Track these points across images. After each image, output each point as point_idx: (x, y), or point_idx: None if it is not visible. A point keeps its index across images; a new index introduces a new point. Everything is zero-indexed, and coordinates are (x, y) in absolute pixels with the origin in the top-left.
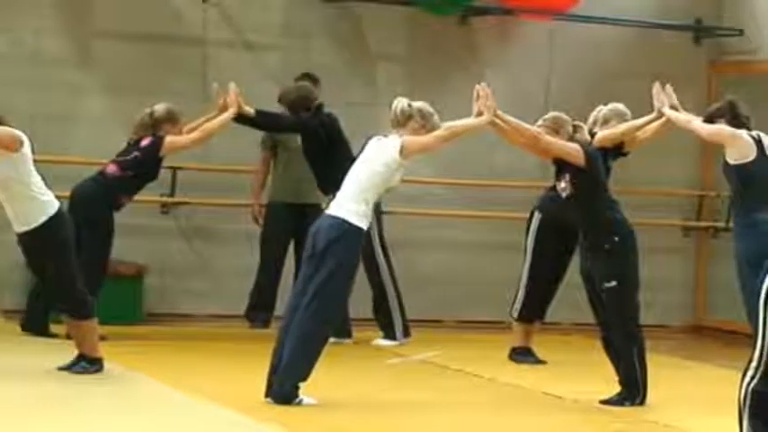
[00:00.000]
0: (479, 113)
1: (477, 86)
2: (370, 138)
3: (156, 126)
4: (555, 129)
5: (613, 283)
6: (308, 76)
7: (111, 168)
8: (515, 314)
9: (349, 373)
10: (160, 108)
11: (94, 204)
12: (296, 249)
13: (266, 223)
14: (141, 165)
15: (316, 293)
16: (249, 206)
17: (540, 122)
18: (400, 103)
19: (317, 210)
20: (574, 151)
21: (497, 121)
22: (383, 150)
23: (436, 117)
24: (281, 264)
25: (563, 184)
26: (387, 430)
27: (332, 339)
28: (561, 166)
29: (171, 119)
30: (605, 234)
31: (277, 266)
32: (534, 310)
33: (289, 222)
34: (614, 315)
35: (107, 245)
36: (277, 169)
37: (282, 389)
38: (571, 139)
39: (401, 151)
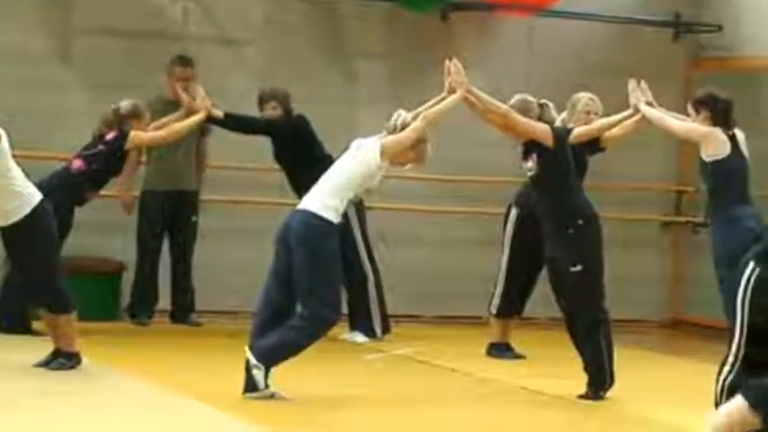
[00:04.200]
0: (451, 90)
1: (448, 62)
2: (352, 141)
3: (121, 122)
4: (522, 111)
5: (579, 268)
6: (181, 58)
7: (77, 163)
8: (494, 309)
9: (327, 369)
10: (125, 104)
11: (59, 199)
12: (171, 238)
13: (142, 213)
14: (106, 159)
15: (319, 300)
16: (221, 202)
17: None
18: (401, 117)
19: (194, 196)
20: (541, 130)
21: (469, 96)
22: (365, 152)
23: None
24: (158, 254)
25: (529, 164)
26: (366, 426)
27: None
28: (529, 145)
29: (136, 115)
30: (569, 217)
31: (155, 257)
32: (512, 304)
33: (166, 211)
34: (580, 300)
35: (62, 240)
36: (152, 157)
37: (269, 354)
38: (539, 119)
39: (382, 153)
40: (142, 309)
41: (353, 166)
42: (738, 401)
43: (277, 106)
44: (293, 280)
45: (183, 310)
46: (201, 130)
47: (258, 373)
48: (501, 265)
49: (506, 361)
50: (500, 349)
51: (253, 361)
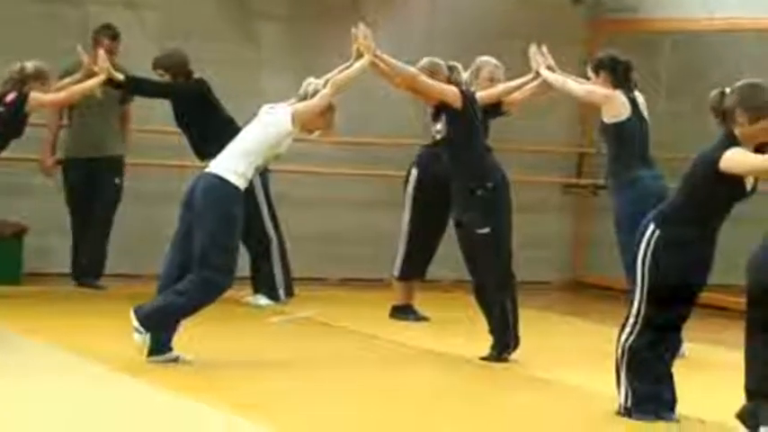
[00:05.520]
0: (359, 55)
1: (354, 29)
2: (256, 103)
3: (24, 82)
4: (431, 74)
5: (486, 230)
6: (109, 29)
7: None
8: (396, 272)
9: (231, 332)
10: (30, 65)
11: None
12: (95, 201)
13: (65, 180)
14: (6, 121)
15: (211, 264)
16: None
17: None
18: (311, 84)
19: (117, 162)
20: (451, 92)
21: (377, 61)
22: (276, 118)
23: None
24: (89, 218)
25: (439, 126)
26: (268, 388)
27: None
28: (438, 107)
29: (39, 76)
30: (479, 180)
31: (86, 222)
32: (415, 266)
33: (88, 177)
34: (487, 262)
35: None
36: (73, 123)
37: (149, 318)
38: (448, 81)
39: (293, 120)
40: (84, 271)
41: (264, 132)
42: None
43: (164, 74)
44: (187, 236)
45: (91, 274)
46: (122, 97)
47: (139, 338)
48: (402, 227)
49: (410, 323)
50: (403, 311)
51: (135, 324)
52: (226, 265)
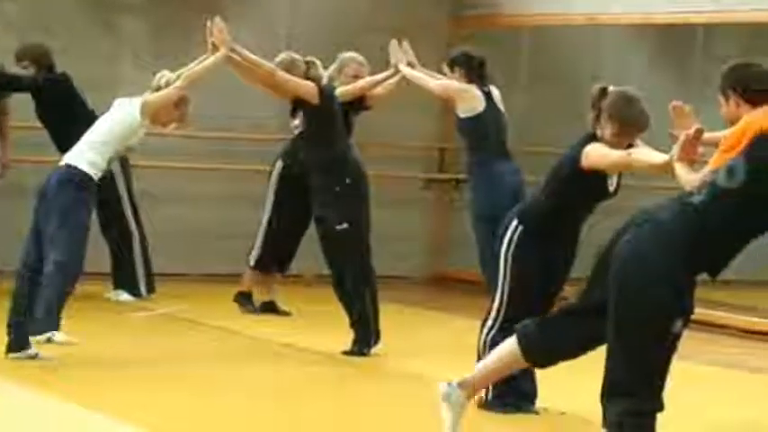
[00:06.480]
0: (214, 49)
1: (209, 23)
2: (115, 96)
3: None
4: (288, 69)
5: (345, 226)
6: None
7: None
8: (252, 262)
9: (91, 328)
10: None
11: None
12: None
13: None
14: None
15: (59, 248)
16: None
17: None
18: (164, 77)
19: None
20: (307, 88)
21: (233, 55)
22: (126, 111)
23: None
24: None
25: (296, 122)
26: (131, 385)
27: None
28: (296, 103)
29: None
30: (337, 176)
31: None
32: (272, 259)
33: None
34: (347, 257)
35: None
36: None
37: (45, 321)
38: (306, 77)
39: (142, 112)
40: None
41: (113, 124)
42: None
43: (29, 65)
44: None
45: None
46: None
47: (59, 336)
48: (263, 218)
49: (271, 317)
50: (245, 298)
51: (47, 336)
52: (77, 249)
